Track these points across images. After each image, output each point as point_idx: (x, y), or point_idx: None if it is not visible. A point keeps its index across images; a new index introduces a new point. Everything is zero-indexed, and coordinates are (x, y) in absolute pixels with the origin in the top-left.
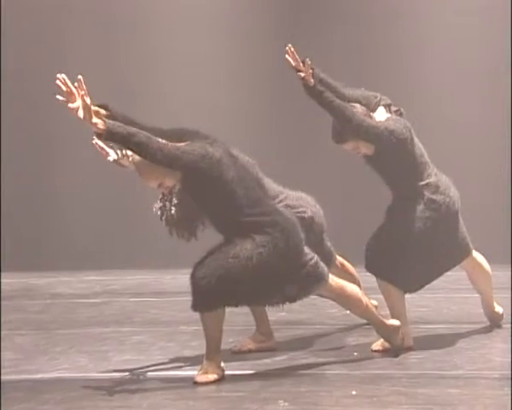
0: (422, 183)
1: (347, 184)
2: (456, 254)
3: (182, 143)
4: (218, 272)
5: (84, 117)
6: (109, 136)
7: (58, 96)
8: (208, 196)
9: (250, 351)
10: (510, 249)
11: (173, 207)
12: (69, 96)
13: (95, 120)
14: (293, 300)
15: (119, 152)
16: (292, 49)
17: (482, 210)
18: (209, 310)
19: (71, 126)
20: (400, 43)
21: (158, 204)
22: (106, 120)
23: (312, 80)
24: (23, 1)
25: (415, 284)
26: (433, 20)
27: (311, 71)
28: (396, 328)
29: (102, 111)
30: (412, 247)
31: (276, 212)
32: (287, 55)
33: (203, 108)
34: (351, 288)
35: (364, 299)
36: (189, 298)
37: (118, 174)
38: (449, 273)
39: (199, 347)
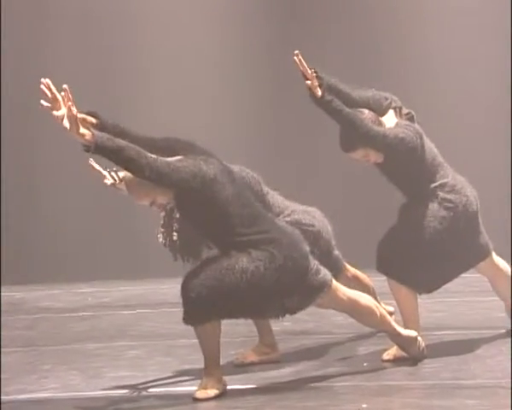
0: (435, 184)
1: (354, 186)
2: (474, 255)
3: (174, 158)
4: (209, 283)
5: (70, 128)
6: (97, 149)
7: (42, 102)
8: (201, 214)
9: (253, 363)
10: (510, 249)
11: (175, 233)
12: (54, 102)
13: (82, 130)
14: (293, 312)
15: (114, 175)
16: (299, 56)
17: (482, 208)
18: (201, 323)
19: (61, 136)
20: (403, 39)
21: (160, 230)
22: (94, 131)
23: (320, 91)
24: (13, 3)
25: (429, 284)
26: (437, 17)
27: (316, 83)
28: (413, 339)
29: (92, 119)
30: (426, 247)
31: (276, 228)
32: (295, 57)
33: (200, 114)
34: (364, 300)
35: (379, 310)
36: None
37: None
38: (464, 275)
39: (198, 361)
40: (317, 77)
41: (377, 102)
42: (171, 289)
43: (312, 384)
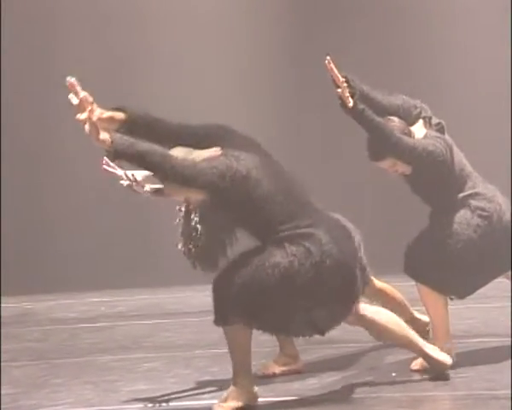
0: (464, 194)
1: (380, 190)
2: (508, 261)
3: (203, 157)
4: (240, 280)
5: (89, 133)
6: (117, 155)
7: (71, 98)
8: (236, 212)
9: (274, 375)
10: (511, 255)
11: (191, 242)
12: (79, 105)
13: (102, 136)
14: (321, 332)
15: (129, 174)
16: (331, 63)
17: None
18: (230, 323)
19: (68, 143)
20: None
21: (179, 238)
22: (114, 136)
23: (351, 101)
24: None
25: (461, 290)
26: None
27: (347, 93)
28: (445, 366)
29: (120, 115)
30: (460, 254)
31: (320, 223)
32: (326, 63)
33: (224, 117)
34: (385, 318)
35: (406, 332)
36: (205, 318)
37: (120, 188)
38: (498, 280)
39: (219, 373)
40: (349, 86)
41: (407, 111)
42: (186, 297)
43: (337, 396)
